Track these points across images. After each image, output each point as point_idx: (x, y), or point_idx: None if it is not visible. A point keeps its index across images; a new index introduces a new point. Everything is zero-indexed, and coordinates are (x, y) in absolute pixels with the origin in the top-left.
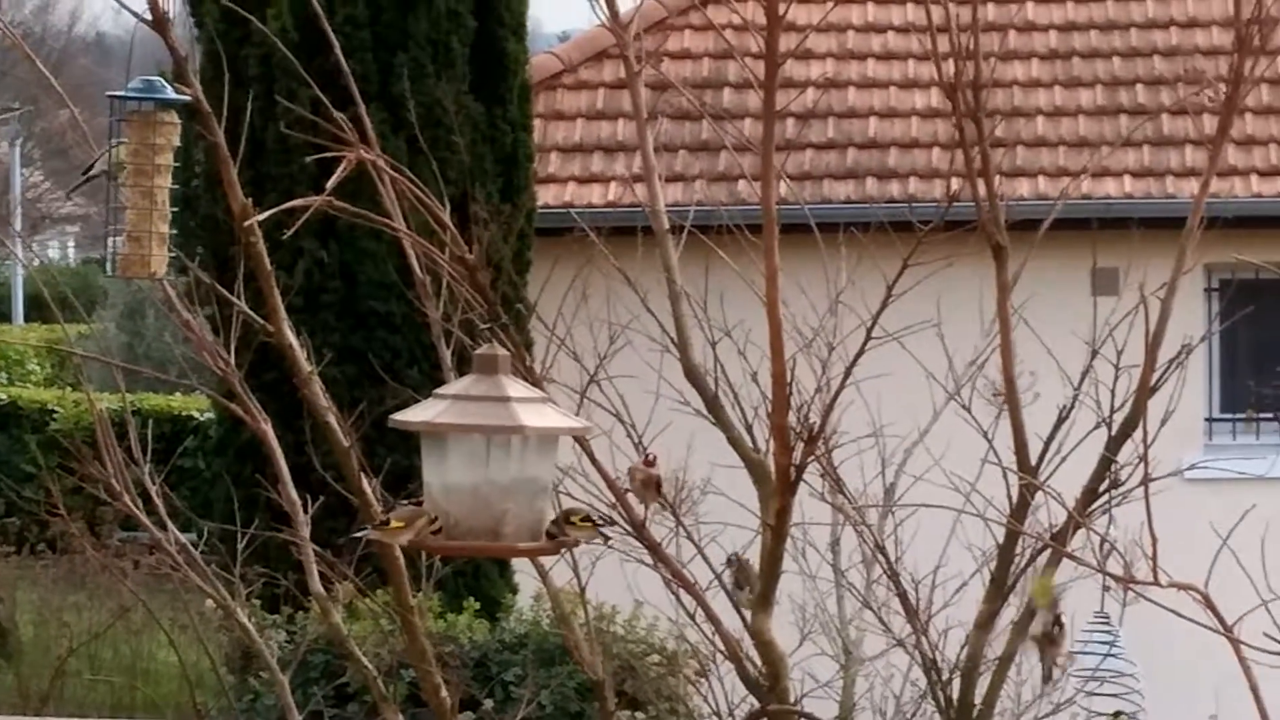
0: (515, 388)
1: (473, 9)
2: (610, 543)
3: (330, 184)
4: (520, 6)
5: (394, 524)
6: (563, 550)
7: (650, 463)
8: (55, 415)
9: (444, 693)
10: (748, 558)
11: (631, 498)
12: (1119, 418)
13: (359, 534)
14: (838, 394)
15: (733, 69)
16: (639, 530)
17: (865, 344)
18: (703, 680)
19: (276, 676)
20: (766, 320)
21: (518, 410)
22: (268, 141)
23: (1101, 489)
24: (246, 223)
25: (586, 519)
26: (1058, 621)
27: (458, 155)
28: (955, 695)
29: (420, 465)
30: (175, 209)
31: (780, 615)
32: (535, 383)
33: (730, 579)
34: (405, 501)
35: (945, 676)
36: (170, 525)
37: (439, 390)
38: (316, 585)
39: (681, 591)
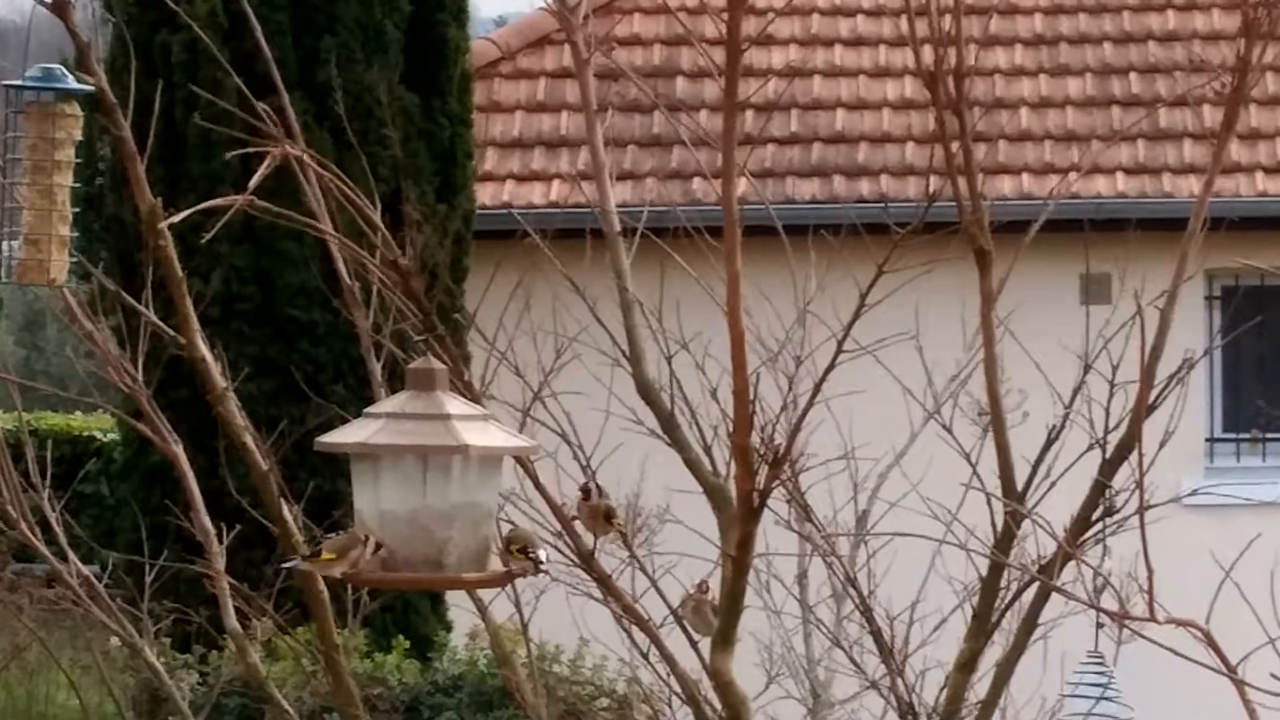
0: (455, 404)
1: None
2: (556, 575)
3: (253, 182)
4: None
5: (326, 555)
6: (512, 579)
7: (587, 494)
8: None
9: None
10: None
11: (579, 526)
12: (1114, 439)
13: (286, 565)
14: (805, 412)
15: (686, 56)
16: (587, 561)
17: (836, 357)
18: None
19: None
20: (727, 331)
21: (459, 429)
22: (189, 136)
23: (1094, 517)
24: (155, 225)
25: (523, 550)
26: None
27: (389, 150)
28: None
29: (346, 490)
30: (77, 209)
31: (743, 654)
32: (474, 399)
33: (691, 607)
34: (337, 532)
35: None
36: (71, 556)
37: (371, 409)
38: (232, 621)
39: (634, 628)
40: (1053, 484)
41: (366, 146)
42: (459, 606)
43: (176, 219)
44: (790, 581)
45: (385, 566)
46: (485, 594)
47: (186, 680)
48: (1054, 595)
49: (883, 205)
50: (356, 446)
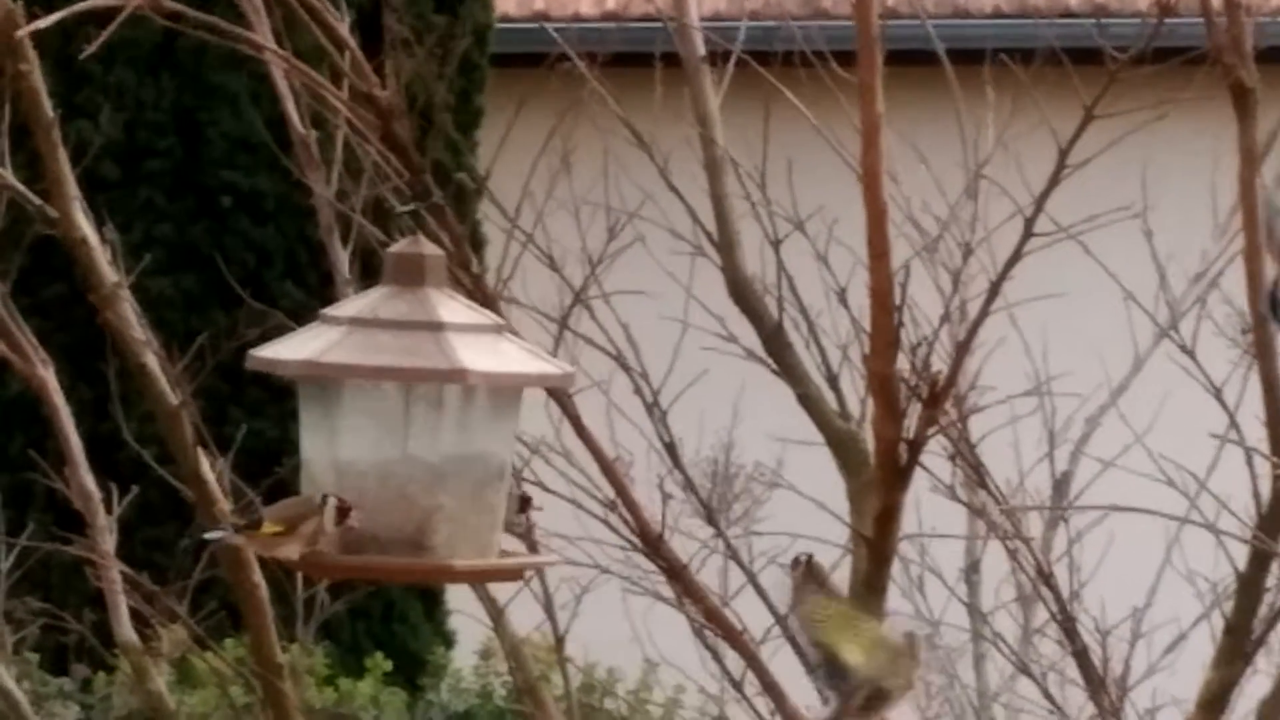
0: (452, 308)
1: None
2: (609, 566)
3: None
4: None
5: (268, 527)
6: (528, 574)
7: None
8: None
9: None
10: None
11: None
12: None
13: (207, 537)
14: (978, 325)
15: None
16: (654, 545)
17: (1023, 245)
18: None
19: None
20: (863, 205)
21: (456, 344)
22: None
23: None
24: (12, 38)
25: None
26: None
27: None
28: None
29: (298, 436)
30: None
31: None
32: (486, 301)
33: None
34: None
35: None
36: None
37: (330, 310)
38: (128, 630)
39: (721, 644)
40: None
41: None
42: (464, 613)
43: (42, 24)
44: (954, 577)
45: (346, 545)
46: (502, 592)
47: (62, 715)
48: None
49: (1095, 21)
50: (302, 366)
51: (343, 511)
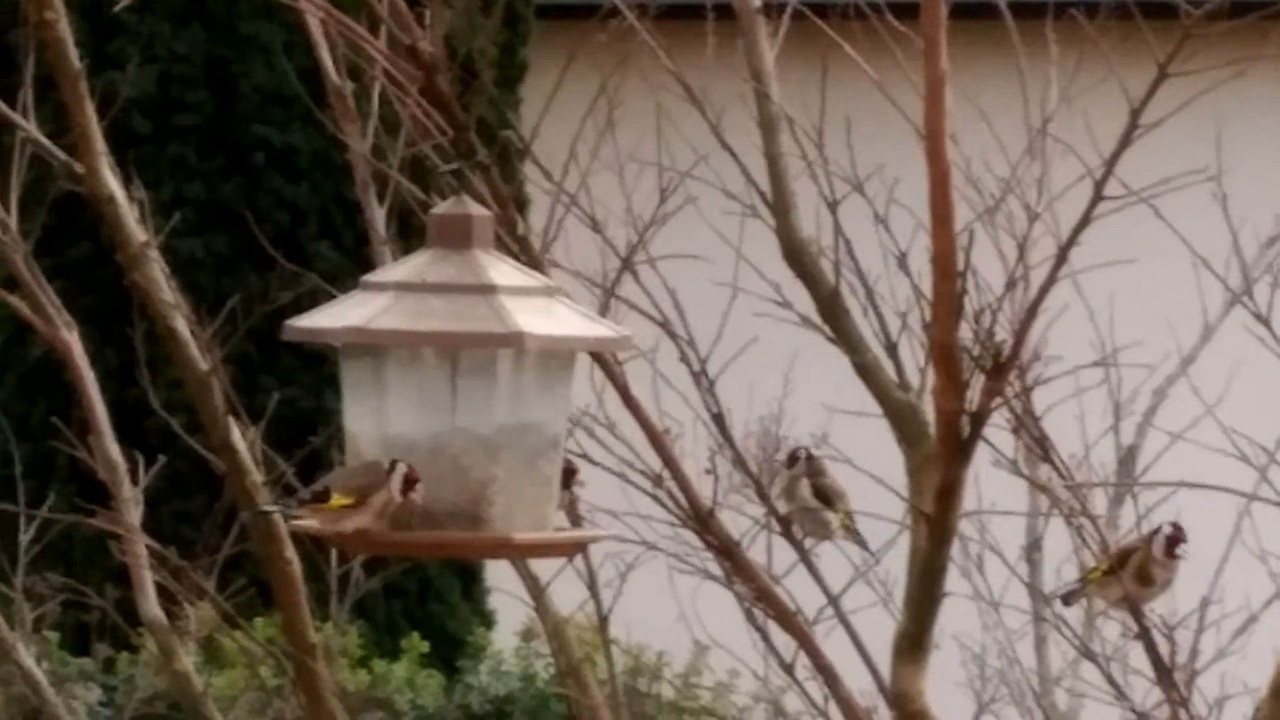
0: (503, 270)
1: None
2: (656, 542)
3: None
4: None
5: (338, 499)
6: (586, 547)
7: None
8: None
9: None
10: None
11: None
12: None
13: (268, 508)
14: (1044, 292)
15: None
16: (703, 521)
17: (1092, 208)
18: None
19: None
20: (925, 166)
21: (510, 307)
22: None
23: None
24: None
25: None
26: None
27: None
28: None
29: (332, 405)
30: None
31: (941, 667)
32: (533, 263)
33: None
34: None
35: None
36: None
37: (372, 276)
38: (154, 608)
39: (773, 626)
40: None
41: None
42: (504, 591)
43: None
44: (1015, 556)
45: (397, 521)
46: (545, 569)
47: (83, 697)
48: None
49: None
50: (349, 334)
51: (410, 481)
